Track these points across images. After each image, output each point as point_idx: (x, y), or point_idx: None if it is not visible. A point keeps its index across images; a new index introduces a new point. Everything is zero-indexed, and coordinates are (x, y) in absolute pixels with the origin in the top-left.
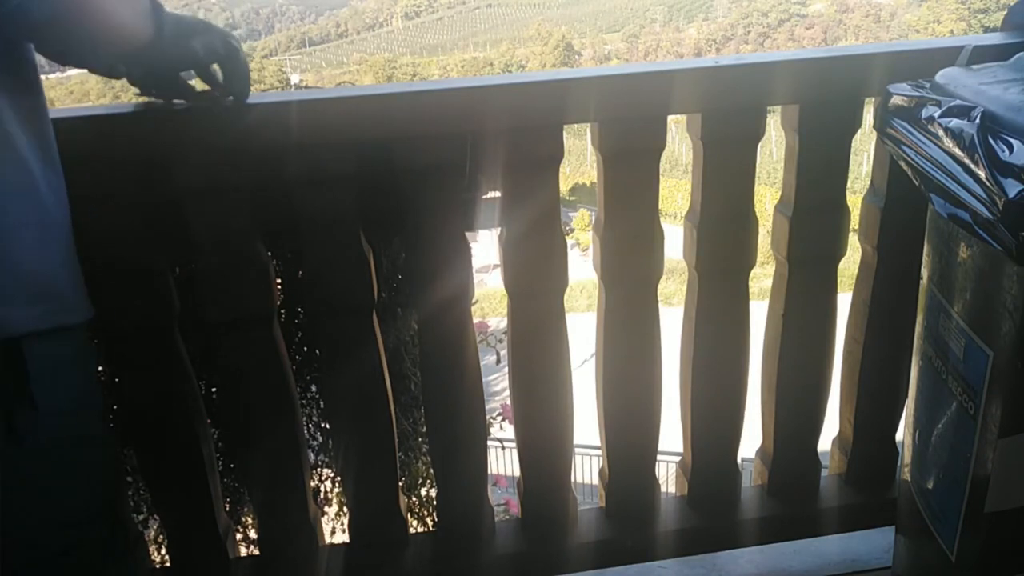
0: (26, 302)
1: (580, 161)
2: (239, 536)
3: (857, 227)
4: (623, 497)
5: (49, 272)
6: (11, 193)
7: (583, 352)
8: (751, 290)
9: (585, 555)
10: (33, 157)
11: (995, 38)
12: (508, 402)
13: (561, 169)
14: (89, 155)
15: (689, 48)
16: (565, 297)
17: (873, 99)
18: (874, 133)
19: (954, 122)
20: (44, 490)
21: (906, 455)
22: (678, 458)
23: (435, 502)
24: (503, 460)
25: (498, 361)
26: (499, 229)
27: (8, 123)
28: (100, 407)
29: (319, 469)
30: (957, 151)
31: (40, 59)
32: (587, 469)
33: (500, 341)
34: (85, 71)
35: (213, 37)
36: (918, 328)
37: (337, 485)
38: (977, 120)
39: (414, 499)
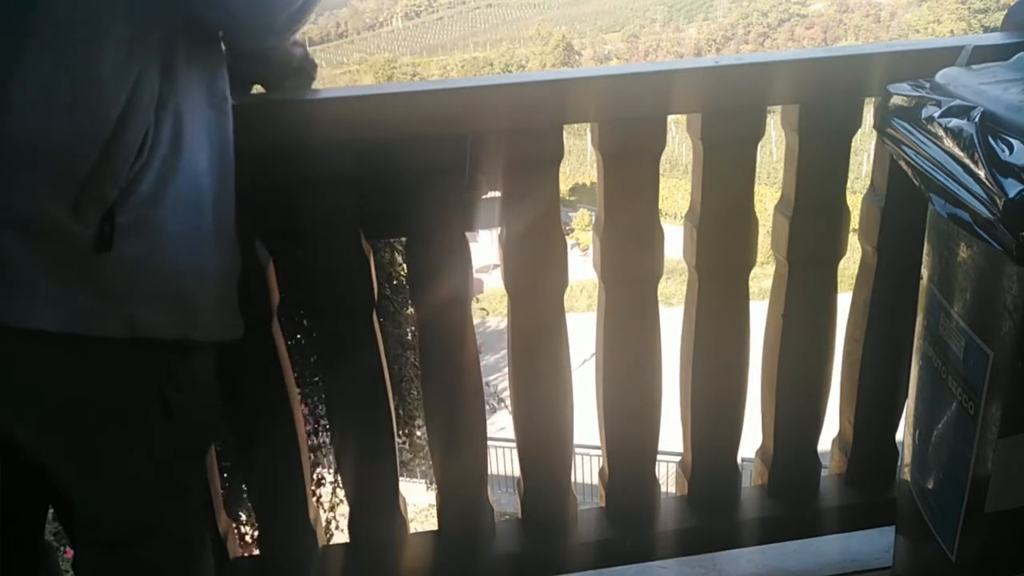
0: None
1: (580, 161)
2: (239, 536)
3: (857, 227)
4: (623, 497)
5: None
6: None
7: (583, 352)
8: (751, 290)
9: (585, 555)
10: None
11: (995, 38)
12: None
13: (561, 169)
14: None
15: (689, 48)
16: (565, 297)
17: (873, 99)
18: (874, 133)
19: (954, 122)
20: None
21: (906, 455)
22: (678, 458)
23: (435, 502)
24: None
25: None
26: (499, 229)
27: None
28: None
29: (326, 467)
30: (957, 151)
31: None
32: (587, 469)
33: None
34: None
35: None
36: (918, 328)
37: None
38: (977, 120)
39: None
